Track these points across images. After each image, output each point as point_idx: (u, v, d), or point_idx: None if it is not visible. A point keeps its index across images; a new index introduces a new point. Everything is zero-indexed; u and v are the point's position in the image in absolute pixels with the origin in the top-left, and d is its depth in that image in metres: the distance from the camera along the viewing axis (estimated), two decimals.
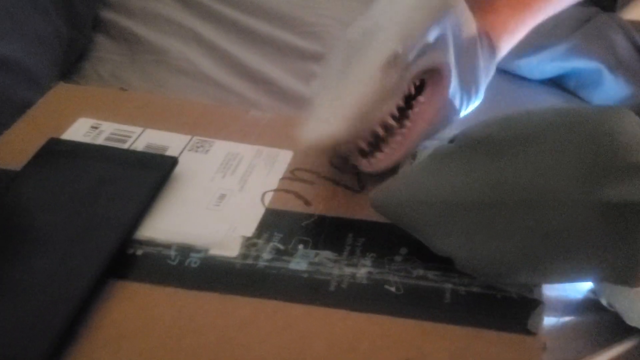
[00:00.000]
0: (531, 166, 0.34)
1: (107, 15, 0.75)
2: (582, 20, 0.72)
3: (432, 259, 0.39)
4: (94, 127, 0.51)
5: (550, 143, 0.34)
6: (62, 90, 0.55)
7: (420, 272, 0.39)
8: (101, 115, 0.52)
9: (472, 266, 0.36)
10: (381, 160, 0.45)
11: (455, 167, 0.36)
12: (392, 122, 0.44)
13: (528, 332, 0.35)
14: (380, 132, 0.43)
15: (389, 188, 0.39)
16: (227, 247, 0.41)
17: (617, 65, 0.68)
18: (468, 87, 0.48)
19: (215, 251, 0.41)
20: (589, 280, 0.40)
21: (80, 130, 0.50)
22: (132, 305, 0.37)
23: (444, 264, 0.39)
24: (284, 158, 0.49)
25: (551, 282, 0.37)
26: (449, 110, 0.47)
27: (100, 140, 0.50)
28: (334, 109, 0.41)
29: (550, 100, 0.72)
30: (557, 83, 0.73)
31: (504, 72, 0.68)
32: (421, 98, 0.45)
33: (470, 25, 0.47)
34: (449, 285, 0.38)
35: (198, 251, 0.41)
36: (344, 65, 0.44)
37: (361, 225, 0.42)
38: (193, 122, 0.52)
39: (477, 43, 0.48)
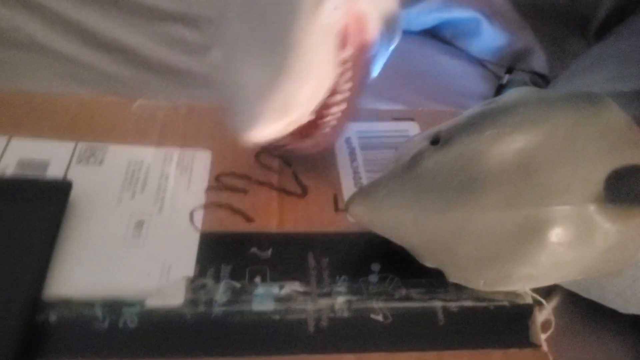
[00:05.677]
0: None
1: None
2: None
3: (409, 273, 0.35)
4: None
5: None
6: None
7: (403, 292, 0.34)
8: None
9: (465, 276, 0.33)
10: (330, 135, 0.37)
11: (439, 179, 0.32)
12: (340, 86, 0.36)
13: (532, 345, 0.33)
14: (329, 99, 0.36)
15: (372, 197, 0.33)
16: (168, 294, 0.33)
17: (494, 14, 0.68)
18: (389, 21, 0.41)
19: (154, 301, 0.33)
20: None
21: None
22: None
23: (424, 278, 0.35)
24: (201, 161, 0.41)
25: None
26: (376, 57, 0.41)
27: None
28: (286, 80, 0.33)
29: (428, 51, 0.70)
30: (432, 34, 0.72)
31: None
32: (348, 49, 0.37)
33: None
34: (438, 304, 0.34)
35: (131, 304, 0.32)
36: (258, 24, 0.35)
37: (319, 241, 0.37)
38: (71, 123, 0.41)
39: None
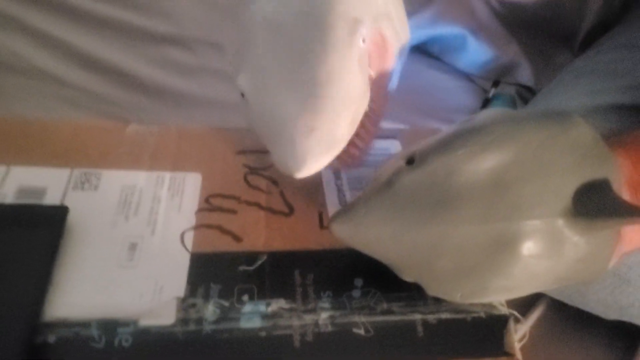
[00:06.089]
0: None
1: None
2: None
3: (390, 287, 0.37)
4: None
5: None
6: None
7: (384, 306, 0.36)
8: None
9: (443, 290, 0.35)
10: (357, 155, 0.39)
11: (415, 197, 0.33)
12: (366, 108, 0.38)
13: (506, 354, 0.34)
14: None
15: (352, 215, 0.34)
16: (160, 314, 0.35)
17: (479, 29, 0.70)
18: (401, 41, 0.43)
19: (146, 321, 0.34)
20: None
21: None
22: None
23: (404, 292, 0.37)
24: (192, 183, 0.42)
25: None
26: (392, 78, 0.42)
27: None
28: (328, 115, 0.33)
29: (416, 66, 0.72)
30: (420, 49, 0.73)
31: None
32: (371, 72, 0.39)
33: None
34: (417, 316, 0.36)
35: (126, 324, 0.34)
36: (287, 54, 0.35)
37: (305, 258, 0.38)
38: (67, 149, 0.43)
39: None
